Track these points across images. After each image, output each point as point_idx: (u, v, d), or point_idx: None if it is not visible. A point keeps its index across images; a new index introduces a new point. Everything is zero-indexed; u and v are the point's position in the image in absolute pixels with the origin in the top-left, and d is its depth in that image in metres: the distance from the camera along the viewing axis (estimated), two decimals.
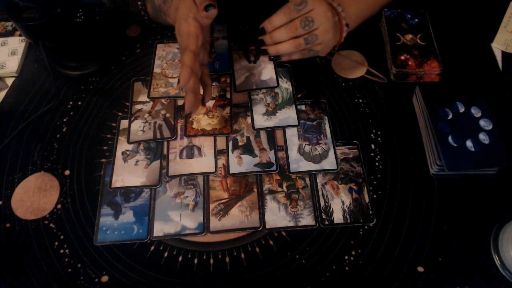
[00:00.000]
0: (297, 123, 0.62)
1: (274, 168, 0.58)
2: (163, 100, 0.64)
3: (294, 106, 0.63)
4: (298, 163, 0.58)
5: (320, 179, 0.57)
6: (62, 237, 0.54)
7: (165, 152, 0.60)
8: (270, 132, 0.61)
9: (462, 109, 0.59)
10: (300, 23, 0.53)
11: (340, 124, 0.62)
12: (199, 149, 0.60)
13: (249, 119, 0.62)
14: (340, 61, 0.68)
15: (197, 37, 0.51)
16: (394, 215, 0.55)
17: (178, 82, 0.57)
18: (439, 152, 0.55)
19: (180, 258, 0.52)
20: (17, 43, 0.71)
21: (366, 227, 0.54)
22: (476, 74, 0.67)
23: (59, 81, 0.67)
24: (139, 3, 0.65)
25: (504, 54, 0.70)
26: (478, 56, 0.70)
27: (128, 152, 0.60)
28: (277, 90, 0.65)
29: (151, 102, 0.64)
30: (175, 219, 0.54)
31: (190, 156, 0.59)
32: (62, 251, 0.53)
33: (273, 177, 0.58)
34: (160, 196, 0.56)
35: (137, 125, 0.62)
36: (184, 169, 0.58)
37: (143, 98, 0.65)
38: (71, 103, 0.65)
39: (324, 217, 0.54)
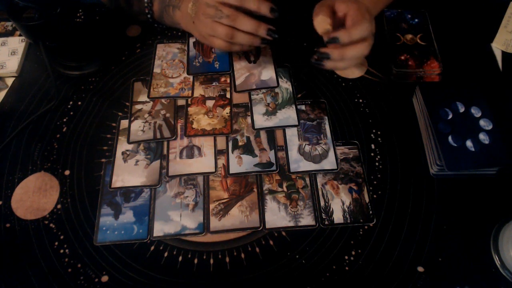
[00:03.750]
0: (297, 123, 0.62)
1: (274, 168, 0.58)
2: (163, 100, 0.64)
3: (294, 106, 0.63)
4: (298, 163, 0.58)
5: (320, 179, 0.57)
6: (62, 237, 0.54)
7: (165, 152, 0.60)
8: (270, 132, 0.61)
9: (462, 109, 0.59)
10: (370, 42, 0.52)
11: (340, 124, 0.62)
12: (199, 149, 0.60)
13: (249, 119, 0.62)
14: None
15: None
16: (394, 215, 0.55)
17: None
18: (439, 152, 0.55)
19: (180, 258, 0.52)
20: (17, 43, 0.71)
21: (366, 227, 0.54)
22: (476, 74, 0.67)
23: (59, 81, 0.67)
24: (145, 0, 0.64)
25: (504, 54, 0.70)
26: (478, 56, 0.70)
27: (128, 152, 0.60)
28: (277, 90, 0.65)
29: (151, 102, 0.64)
30: (175, 219, 0.54)
31: (190, 156, 0.59)
32: (62, 251, 0.53)
33: (273, 177, 0.58)
34: (160, 196, 0.56)
35: (137, 125, 0.62)
36: (184, 169, 0.58)
37: (143, 98, 0.65)
38: (71, 103, 0.65)
39: (324, 217, 0.54)
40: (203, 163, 0.58)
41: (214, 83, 0.66)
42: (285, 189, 0.57)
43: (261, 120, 0.62)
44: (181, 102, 0.64)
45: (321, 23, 0.52)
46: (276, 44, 0.70)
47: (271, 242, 0.53)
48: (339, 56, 0.52)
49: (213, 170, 0.58)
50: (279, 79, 0.66)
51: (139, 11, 0.67)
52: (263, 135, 0.61)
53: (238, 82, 0.66)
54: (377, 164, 0.59)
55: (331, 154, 0.59)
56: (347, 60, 0.54)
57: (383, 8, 0.67)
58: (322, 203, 0.55)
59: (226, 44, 0.58)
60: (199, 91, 0.65)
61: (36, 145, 0.61)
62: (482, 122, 0.58)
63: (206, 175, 0.58)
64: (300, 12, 0.63)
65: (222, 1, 0.54)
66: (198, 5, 0.58)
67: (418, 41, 0.68)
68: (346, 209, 0.55)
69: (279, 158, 0.59)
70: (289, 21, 0.72)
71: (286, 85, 0.66)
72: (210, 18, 0.56)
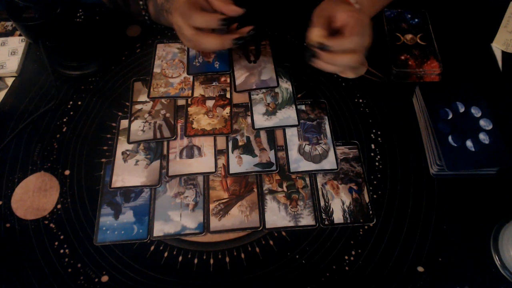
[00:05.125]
0: (297, 123, 0.62)
1: (274, 168, 0.58)
2: (163, 100, 0.64)
3: (294, 106, 0.63)
4: (298, 163, 0.58)
5: (320, 179, 0.57)
6: (62, 237, 0.54)
7: (165, 152, 0.60)
8: (270, 132, 0.61)
9: (462, 109, 0.59)
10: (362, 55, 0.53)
11: (340, 124, 0.62)
12: (199, 149, 0.60)
13: (249, 119, 0.62)
14: None
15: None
16: (394, 215, 0.55)
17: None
18: (439, 152, 0.55)
19: (180, 258, 0.52)
20: (17, 43, 0.71)
21: (366, 227, 0.54)
22: (476, 74, 0.67)
23: (59, 81, 0.67)
24: (140, 2, 0.65)
25: (504, 54, 0.70)
26: (478, 56, 0.70)
27: (128, 152, 0.60)
28: (277, 90, 0.65)
29: (151, 102, 0.64)
30: (175, 219, 0.54)
31: (190, 156, 0.59)
32: (62, 251, 0.53)
33: (273, 177, 0.58)
34: (160, 196, 0.56)
35: (137, 125, 0.62)
36: (184, 169, 0.58)
37: (143, 98, 0.65)
38: (71, 103, 0.65)
39: (324, 217, 0.54)
40: (203, 163, 0.58)
41: (214, 83, 0.66)
42: (285, 189, 0.57)
43: (261, 120, 0.62)
44: (181, 102, 0.64)
45: (316, 35, 0.52)
46: (276, 44, 0.70)
47: (271, 242, 0.53)
48: (328, 60, 0.53)
49: (213, 170, 0.58)
50: (279, 79, 0.66)
51: (137, 12, 0.67)
52: (263, 135, 0.61)
53: (238, 82, 0.66)
54: (377, 164, 0.59)
55: (331, 154, 0.59)
56: (335, 66, 0.54)
57: (381, 9, 0.67)
58: (322, 203, 0.55)
59: (206, 53, 0.59)
60: (199, 91, 0.65)
61: (36, 145, 0.61)
62: (482, 122, 0.58)
63: (206, 175, 0.58)
64: (300, 11, 0.63)
65: (187, 22, 0.54)
66: (172, 21, 0.57)
67: (418, 41, 0.68)
68: (346, 209, 0.55)
69: (279, 158, 0.59)
70: (289, 20, 0.72)
71: (286, 85, 0.66)
72: (181, 36, 0.57)
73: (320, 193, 0.56)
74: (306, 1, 0.60)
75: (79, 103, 0.65)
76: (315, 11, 0.55)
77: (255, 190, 0.56)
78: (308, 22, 0.54)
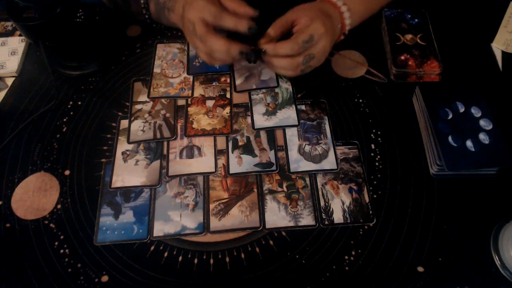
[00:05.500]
0: (297, 123, 0.62)
1: (274, 168, 0.58)
2: (163, 100, 0.64)
3: (294, 106, 0.63)
4: (298, 163, 0.58)
5: (320, 179, 0.57)
6: (62, 237, 0.54)
7: (165, 152, 0.60)
8: (270, 132, 0.61)
9: (462, 109, 0.59)
10: (304, 59, 0.55)
11: (340, 124, 0.62)
12: (199, 149, 0.60)
13: (249, 119, 0.62)
14: (340, 61, 0.68)
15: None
16: (394, 215, 0.55)
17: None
18: (439, 152, 0.55)
19: (180, 258, 0.52)
20: (17, 43, 0.71)
21: (366, 227, 0.54)
22: (476, 74, 0.67)
23: (59, 81, 0.67)
24: (141, 1, 0.64)
25: (504, 54, 0.70)
26: (478, 56, 0.70)
27: (128, 152, 0.60)
28: (277, 90, 0.65)
29: (151, 102, 0.64)
30: (175, 219, 0.54)
31: (190, 156, 0.59)
32: (62, 251, 0.53)
33: (273, 177, 0.58)
34: (160, 196, 0.56)
35: (137, 125, 0.62)
36: (184, 169, 0.58)
37: (143, 98, 0.65)
38: (71, 103, 0.65)
39: (324, 217, 0.54)
40: (203, 163, 0.58)
41: (214, 83, 0.66)
42: (285, 189, 0.57)
43: (261, 120, 0.62)
44: (181, 102, 0.64)
45: (264, 37, 0.56)
46: None
47: (271, 242, 0.53)
48: (268, 61, 0.57)
49: (213, 170, 0.58)
50: (279, 79, 0.66)
51: (137, 12, 0.67)
52: (263, 135, 0.61)
53: (238, 82, 0.66)
54: (377, 164, 0.59)
55: (331, 154, 0.59)
56: (276, 68, 0.59)
57: (375, 11, 0.67)
58: (322, 203, 0.55)
59: (207, 57, 0.57)
60: (199, 91, 0.65)
61: (36, 145, 0.61)
62: (482, 122, 0.58)
63: (206, 175, 0.58)
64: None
65: (201, 18, 0.54)
66: (183, 16, 0.57)
67: (418, 41, 0.68)
68: (346, 209, 0.55)
69: (279, 158, 0.59)
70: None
71: (286, 85, 0.66)
72: (190, 34, 0.56)
73: (320, 193, 0.56)
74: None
75: (79, 103, 0.65)
76: (288, 11, 0.57)
77: (255, 190, 0.56)
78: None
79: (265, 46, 0.55)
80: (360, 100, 0.65)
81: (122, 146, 0.60)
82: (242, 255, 0.52)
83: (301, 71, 0.58)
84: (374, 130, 0.62)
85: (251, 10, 0.55)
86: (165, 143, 0.60)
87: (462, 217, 0.55)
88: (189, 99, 0.64)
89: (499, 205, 0.55)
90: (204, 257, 0.52)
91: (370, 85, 0.66)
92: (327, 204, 0.55)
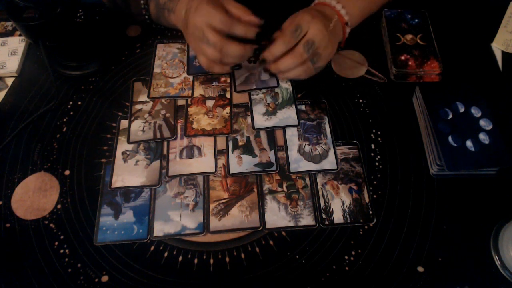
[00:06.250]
0: (297, 123, 0.62)
1: (274, 168, 0.58)
2: (163, 100, 0.64)
3: (294, 106, 0.63)
4: (298, 163, 0.58)
5: (320, 179, 0.57)
6: (62, 237, 0.54)
7: (165, 152, 0.60)
8: (270, 132, 0.61)
9: (462, 109, 0.59)
10: (304, 48, 0.54)
11: (340, 124, 0.62)
12: (199, 149, 0.60)
13: (249, 119, 0.62)
14: (340, 61, 0.68)
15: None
16: (394, 215, 0.55)
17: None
18: (439, 152, 0.55)
19: (180, 258, 0.52)
20: (17, 43, 0.71)
21: (366, 227, 0.54)
22: (476, 74, 0.67)
23: (59, 81, 0.67)
24: (141, 1, 0.64)
25: (504, 54, 0.70)
26: (478, 56, 0.70)
27: (128, 152, 0.60)
28: (277, 90, 0.65)
29: (151, 102, 0.64)
30: (175, 219, 0.54)
31: (190, 156, 0.59)
32: (62, 251, 0.53)
33: (273, 177, 0.58)
34: (160, 196, 0.56)
35: (137, 125, 0.62)
36: (184, 169, 0.58)
37: (143, 98, 0.65)
38: (71, 103, 0.65)
39: (324, 217, 0.54)
40: (203, 163, 0.58)
41: (214, 83, 0.66)
42: (285, 189, 0.57)
43: (261, 120, 0.62)
44: (181, 102, 0.64)
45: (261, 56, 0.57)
46: None
47: (271, 242, 0.53)
48: (275, 70, 0.57)
49: (213, 170, 0.58)
50: (279, 79, 0.66)
51: (137, 12, 0.67)
52: (263, 135, 0.61)
53: (238, 82, 0.66)
54: (377, 164, 0.59)
55: (331, 154, 0.59)
56: (286, 72, 0.57)
57: (373, 11, 0.67)
58: (322, 203, 0.55)
59: (208, 63, 0.57)
60: (199, 91, 0.65)
61: (36, 145, 0.61)
62: (482, 122, 0.58)
63: (206, 175, 0.58)
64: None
65: (209, 24, 0.52)
66: (188, 22, 0.56)
67: (418, 41, 0.68)
68: (346, 209, 0.55)
69: (279, 158, 0.59)
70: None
71: (286, 85, 0.66)
72: (197, 40, 0.54)
73: (320, 193, 0.56)
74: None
75: (79, 103, 0.65)
76: (285, 22, 0.56)
77: (255, 190, 0.56)
78: None
79: (261, 56, 0.56)
80: (360, 100, 0.65)
81: (122, 146, 0.60)
82: (242, 255, 0.52)
83: (312, 69, 0.57)
84: (374, 130, 0.62)
85: (256, 19, 0.54)
86: (165, 143, 0.60)
87: (462, 217, 0.55)
88: (189, 99, 0.64)
89: (499, 205, 0.55)
90: (204, 257, 0.52)
91: (370, 85, 0.66)
92: (327, 204, 0.55)
